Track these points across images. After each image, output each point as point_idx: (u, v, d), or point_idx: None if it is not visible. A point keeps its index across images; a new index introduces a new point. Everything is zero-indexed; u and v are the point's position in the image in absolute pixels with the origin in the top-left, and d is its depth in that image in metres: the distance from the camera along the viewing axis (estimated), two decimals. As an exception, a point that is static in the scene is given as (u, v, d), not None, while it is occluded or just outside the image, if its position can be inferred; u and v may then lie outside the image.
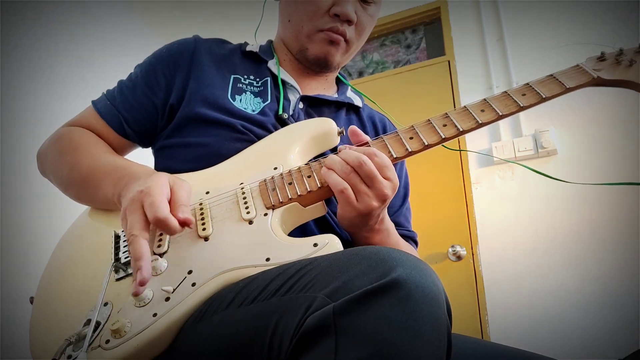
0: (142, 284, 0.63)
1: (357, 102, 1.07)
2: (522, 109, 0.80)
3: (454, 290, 2.26)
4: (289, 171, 0.81)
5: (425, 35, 2.98)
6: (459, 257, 2.33)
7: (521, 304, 2.14)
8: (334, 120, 0.90)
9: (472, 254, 2.32)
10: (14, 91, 1.99)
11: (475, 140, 2.46)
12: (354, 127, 0.83)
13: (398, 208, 1.04)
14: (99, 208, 0.89)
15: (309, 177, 0.79)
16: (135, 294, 0.64)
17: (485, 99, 0.82)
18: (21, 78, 2.03)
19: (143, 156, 1.06)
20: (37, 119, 1.97)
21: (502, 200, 2.35)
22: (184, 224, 0.69)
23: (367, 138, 0.82)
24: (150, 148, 1.02)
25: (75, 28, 2.35)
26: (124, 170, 0.82)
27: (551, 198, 2.24)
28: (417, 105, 2.60)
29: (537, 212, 2.25)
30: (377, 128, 1.07)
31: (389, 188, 0.74)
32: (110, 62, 2.33)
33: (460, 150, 2.30)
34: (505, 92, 0.82)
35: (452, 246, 2.34)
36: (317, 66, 0.99)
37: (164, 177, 0.73)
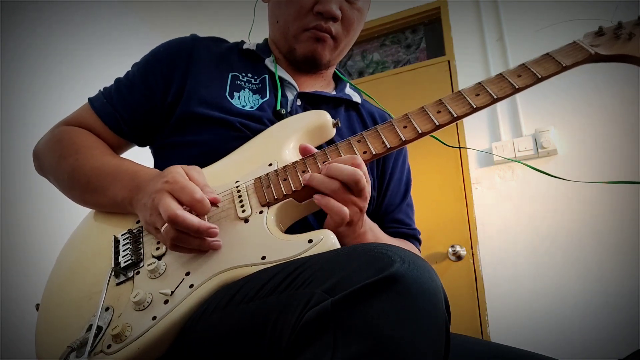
0: (214, 234, 0.70)
1: (356, 98, 1.06)
2: (517, 90, 0.77)
3: (454, 290, 2.26)
4: (284, 167, 0.80)
5: (425, 35, 2.98)
6: (459, 257, 2.33)
7: (521, 304, 2.14)
8: (333, 116, 0.90)
9: (472, 254, 2.32)
10: (13, 91, 1.98)
11: (475, 140, 2.46)
12: (304, 145, 0.82)
13: (397, 205, 1.03)
14: (104, 211, 0.89)
15: (303, 172, 0.78)
16: (218, 247, 0.71)
17: (480, 83, 0.79)
18: (21, 78, 2.03)
19: (141, 156, 1.06)
20: (37, 119, 1.97)
21: (502, 200, 2.35)
22: (214, 202, 0.73)
23: (315, 151, 0.81)
24: (146, 147, 1.02)
25: (75, 28, 2.35)
26: (135, 174, 0.82)
27: (551, 198, 2.24)
28: (417, 106, 2.58)
29: (537, 212, 2.25)
30: (378, 123, 1.06)
31: (369, 192, 0.75)
32: (110, 62, 2.33)
33: (460, 148, 2.29)
34: (500, 74, 0.79)
35: (452, 246, 2.34)
36: (307, 65, 0.99)
37: (178, 167, 0.76)
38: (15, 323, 1.63)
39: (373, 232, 0.86)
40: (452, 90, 2.63)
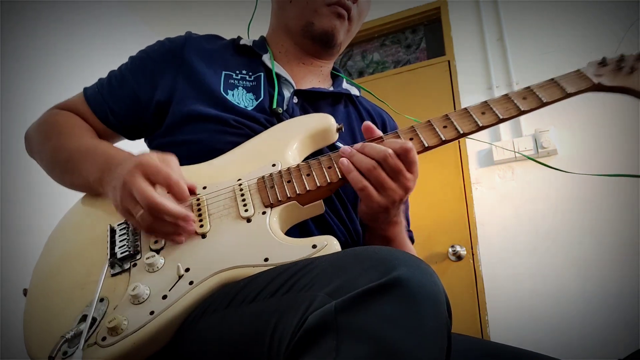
0: (190, 221, 0.72)
1: (354, 91, 1.07)
2: (522, 113, 0.81)
3: (454, 290, 2.25)
4: (288, 169, 0.80)
5: (425, 35, 2.98)
6: (459, 257, 2.33)
7: (521, 303, 2.14)
8: (332, 114, 0.90)
9: (472, 254, 2.32)
10: (14, 91, 1.98)
11: (475, 141, 2.46)
12: (368, 123, 0.82)
13: None
14: (81, 192, 0.90)
15: (307, 175, 0.78)
16: (192, 232, 0.72)
17: (486, 102, 0.82)
18: (21, 78, 2.03)
19: (137, 151, 1.06)
20: (37, 118, 1.96)
21: (502, 200, 2.34)
22: (191, 189, 0.74)
23: (380, 134, 0.82)
24: (137, 141, 1.03)
25: (75, 28, 2.35)
26: (109, 155, 0.82)
27: (551, 198, 2.24)
28: (417, 105, 2.59)
29: (537, 212, 2.25)
30: (376, 122, 1.06)
31: (412, 181, 0.76)
32: (109, 61, 2.32)
33: (459, 138, 2.28)
34: (507, 95, 0.82)
35: (452, 246, 2.34)
36: (322, 42, 0.99)
37: (151, 152, 0.77)
38: (15, 322, 1.63)
39: (402, 227, 0.87)
40: (452, 91, 2.63)
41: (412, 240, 1.03)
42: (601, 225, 2.12)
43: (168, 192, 0.72)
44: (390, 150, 0.73)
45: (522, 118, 2.40)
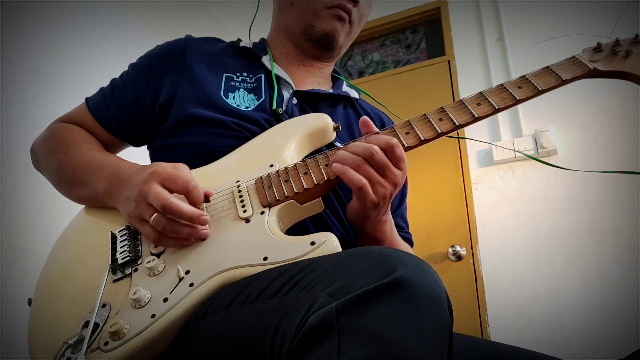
0: (206, 222, 0.72)
1: (354, 94, 1.07)
2: (518, 102, 0.79)
3: (454, 290, 2.26)
4: (285, 168, 0.80)
5: (425, 35, 2.98)
6: (459, 257, 2.33)
7: (521, 303, 2.14)
8: (331, 115, 0.90)
9: (472, 254, 2.32)
10: (14, 91, 1.98)
11: (475, 141, 2.46)
12: (365, 118, 0.82)
13: (395, 209, 1.03)
14: (88, 205, 0.90)
15: (305, 174, 0.79)
16: (207, 235, 0.73)
17: (481, 92, 0.81)
18: (21, 78, 2.03)
19: (137, 157, 1.06)
20: (37, 119, 1.96)
21: (502, 200, 2.35)
22: (206, 195, 0.76)
23: (376, 129, 0.82)
24: (141, 147, 1.03)
25: (75, 28, 2.35)
26: (117, 167, 0.83)
27: (551, 198, 2.24)
28: (417, 105, 2.59)
29: (537, 212, 2.25)
30: (375, 124, 1.06)
31: (401, 177, 0.76)
32: (110, 62, 2.32)
33: (458, 138, 2.28)
34: (502, 85, 0.81)
35: (452, 246, 2.34)
36: (322, 45, 0.99)
37: (162, 162, 0.77)
38: (15, 323, 1.63)
39: (391, 225, 0.87)
40: (452, 90, 2.63)
41: (411, 244, 1.03)
42: (601, 225, 2.12)
43: (186, 198, 0.74)
44: (375, 147, 0.73)
45: (522, 118, 2.40)
